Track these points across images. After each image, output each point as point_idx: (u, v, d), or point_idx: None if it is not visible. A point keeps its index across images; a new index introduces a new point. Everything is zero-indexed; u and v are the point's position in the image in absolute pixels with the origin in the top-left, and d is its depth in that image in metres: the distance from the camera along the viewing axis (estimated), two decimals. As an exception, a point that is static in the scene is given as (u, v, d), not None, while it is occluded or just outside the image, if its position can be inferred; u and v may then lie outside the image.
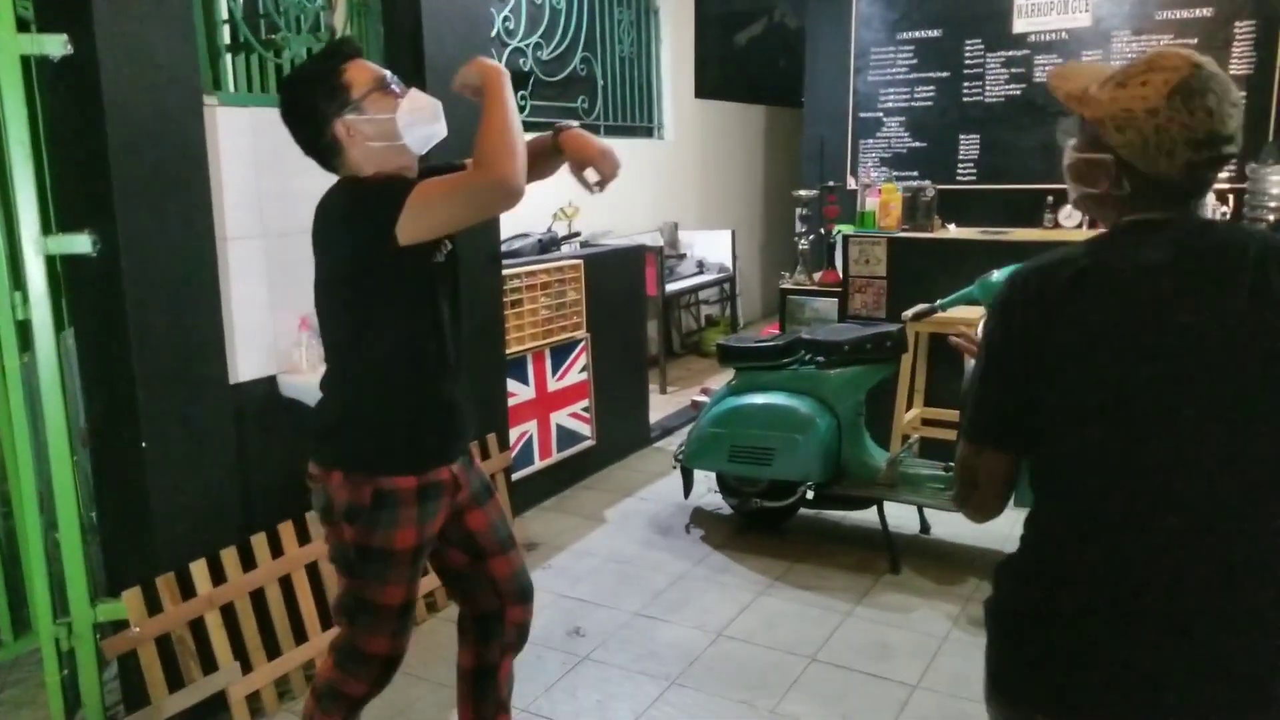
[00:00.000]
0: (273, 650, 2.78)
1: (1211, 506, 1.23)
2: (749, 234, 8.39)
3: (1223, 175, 5.25)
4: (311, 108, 1.83)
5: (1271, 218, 4.82)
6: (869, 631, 3.14)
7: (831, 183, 5.59)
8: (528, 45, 5.81)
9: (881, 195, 4.66)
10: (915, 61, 6.25)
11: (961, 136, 6.17)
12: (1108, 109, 1.31)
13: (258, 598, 2.76)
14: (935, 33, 6.16)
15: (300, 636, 2.86)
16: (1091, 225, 5.11)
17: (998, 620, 1.41)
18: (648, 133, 7.16)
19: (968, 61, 6.08)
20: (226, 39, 2.91)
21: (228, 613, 2.68)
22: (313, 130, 1.85)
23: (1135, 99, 1.28)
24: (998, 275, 3.41)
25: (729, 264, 6.90)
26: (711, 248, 6.92)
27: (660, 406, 5.60)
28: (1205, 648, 1.23)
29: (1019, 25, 5.91)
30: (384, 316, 1.88)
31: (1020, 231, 4.84)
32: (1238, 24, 5.34)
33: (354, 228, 1.82)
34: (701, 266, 6.82)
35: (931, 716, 2.67)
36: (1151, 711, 1.25)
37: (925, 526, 3.87)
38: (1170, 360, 1.24)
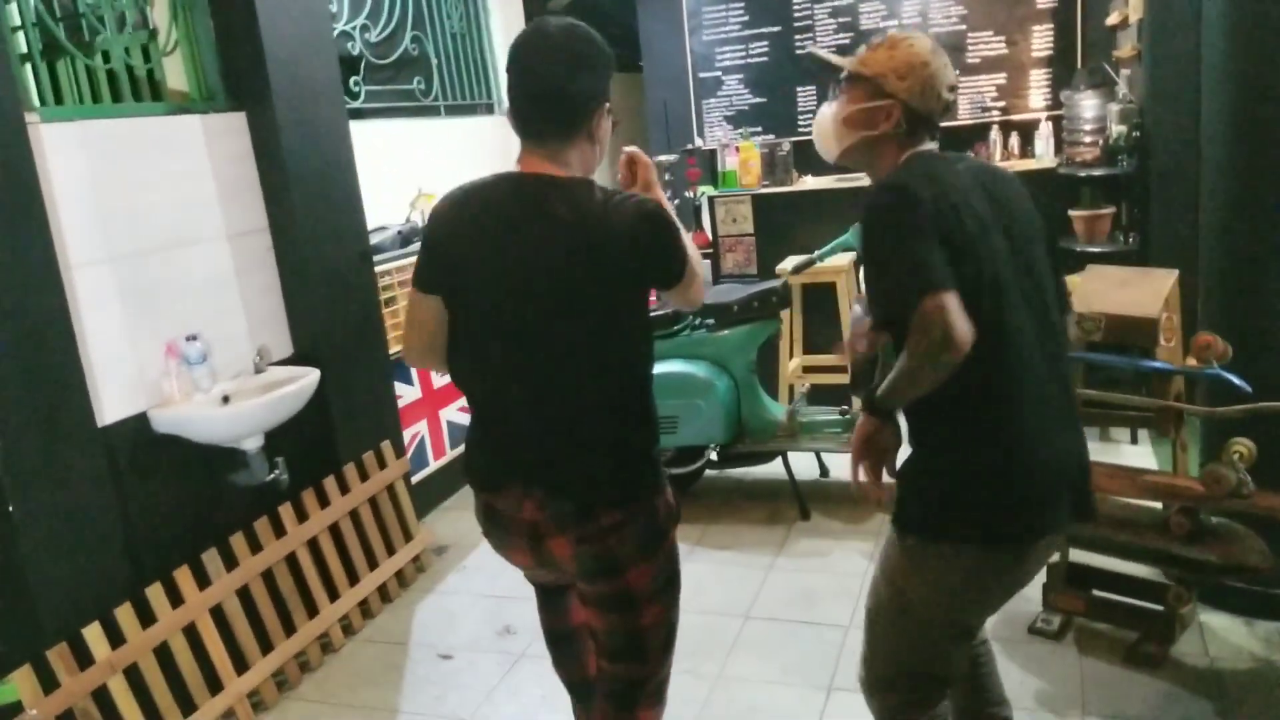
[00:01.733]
0: (187, 705, 2.58)
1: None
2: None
3: (1040, 103, 5.54)
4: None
5: (1088, 139, 5.12)
6: (793, 581, 3.19)
7: (690, 145, 5.59)
8: (354, 28, 5.52)
9: (740, 154, 4.70)
10: (747, 18, 6.30)
11: (799, 89, 6.28)
12: (888, 65, 1.68)
13: (163, 653, 2.55)
14: (763, -14, 6.22)
15: (215, 686, 2.66)
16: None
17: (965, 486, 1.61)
18: (489, 109, 6.97)
19: (797, 14, 6.17)
20: (28, 46, 2.60)
21: (133, 674, 2.46)
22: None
23: (911, 55, 1.68)
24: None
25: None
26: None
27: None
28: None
29: (837, -34, 6.05)
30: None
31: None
32: (1042, -41, 5.61)
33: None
34: (561, 241, 6.71)
35: (871, 655, 2.74)
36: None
37: (824, 471, 3.97)
38: (1019, 242, 1.62)
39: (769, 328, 3.68)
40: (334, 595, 3.11)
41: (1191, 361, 2.46)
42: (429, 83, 6.21)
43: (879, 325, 1.58)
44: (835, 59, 1.78)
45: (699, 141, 6.44)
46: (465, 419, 4.27)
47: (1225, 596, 2.70)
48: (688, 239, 1.71)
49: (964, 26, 5.76)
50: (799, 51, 6.10)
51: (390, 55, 5.80)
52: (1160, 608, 2.59)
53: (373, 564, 3.30)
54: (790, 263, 4.03)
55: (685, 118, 6.52)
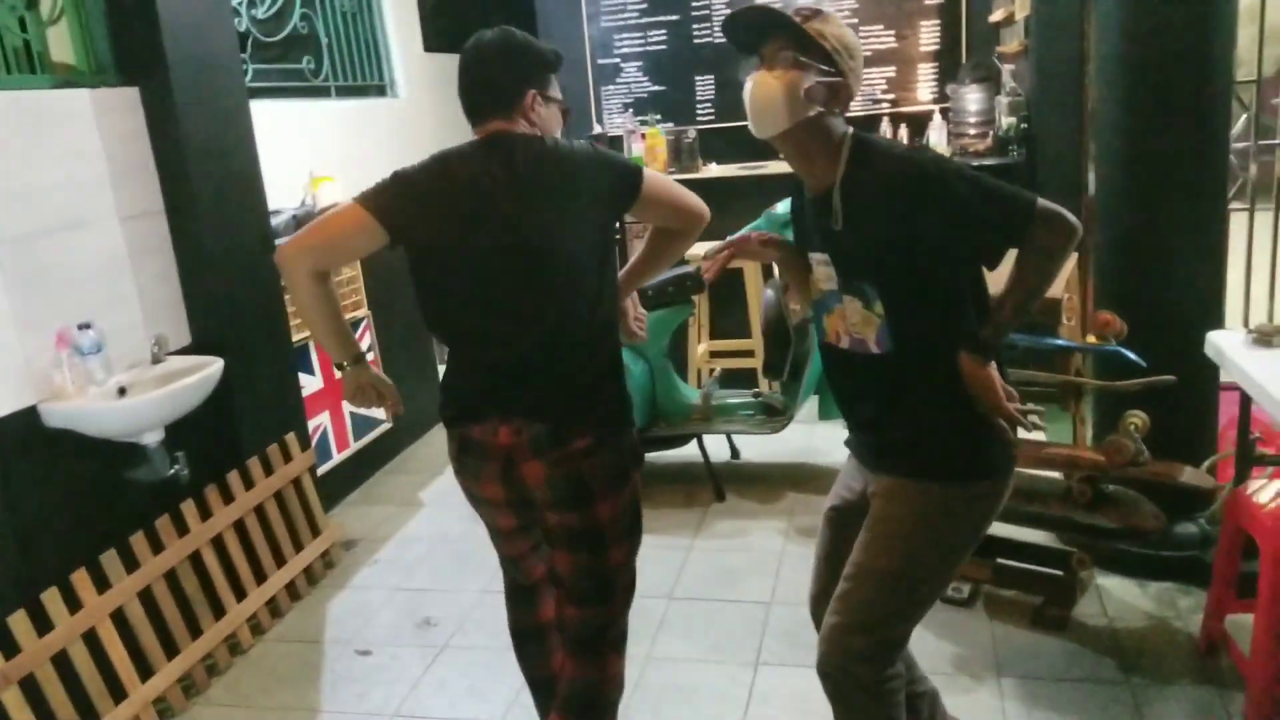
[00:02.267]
0: (89, 716, 2.43)
1: None
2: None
3: (927, 96, 5.73)
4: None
5: (972, 133, 5.32)
6: (713, 561, 3.23)
7: (596, 130, 5.57)
8: (240, 3, 5.28)
9: (646, 140, 4.70)
10: (645, 5, 6.31)
11: (697, 78, 6.33)
12: (841, 38, 1.61)
13: (61, 661, 2.39)
14: (659, -26, 6.23)
15: (118, 694, 2.52)
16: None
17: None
18: (380, 91, 6.78)
19: (695, 4, 6.22)
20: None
21: (29, 686, 2.30)
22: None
23: (847, 32, 1.62)
24: (781, 207, 3.56)
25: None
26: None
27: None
28: None
29: (729, -39, 6.11)
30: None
31: (775, 164, 5.06)
32: (927, -46, 5.79)
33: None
34: (459, 229, 6.59)
35: (793, 627, 2.79)
36: None
37: (735, 453, 4.02)
38: None
39: (683, 313, 3.70)
40: (241, 595, 2.98)
41: (1092, 339, 2.60)
42: (319, 62, 6.01)
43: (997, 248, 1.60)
44: (794, 19, 1.60)
45: (598, 128, 6.43)
46: (365, 410, 4.17)
47: (1119, 560, 2.86)
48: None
49: (856, 20, 5.88)
50: (695, 40, 6.16)
51: (278, 33, 5.58)
52: (1061, 573, 2.73)
53: (280, 561, 3.18)
54: (702, 249, 4.05)
55: (584, 104, 6.49)
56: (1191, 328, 2.60)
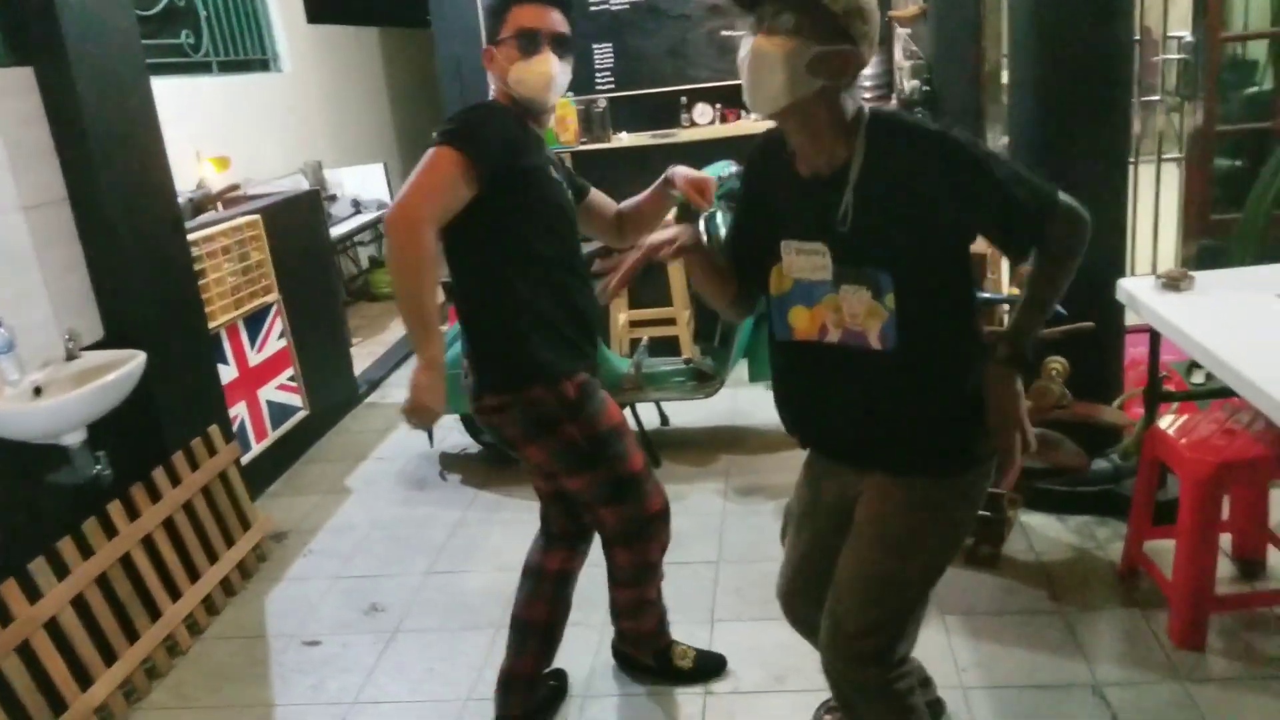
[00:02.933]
0: (29, 730, 2.32)
1: None
2: (399, 167, 8.02)
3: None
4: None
5: (869, 95, 5.46)
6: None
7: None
8: (112, -23, 4.97)
9: (557, 111, 4.65)
10: (537, -29, 6.22)
11: (595, 46, 6.28)
12: (854, 3, 1.39)
13: (-4, 677, 2.27)
14: (551, -59, 6.14)
15: (58, 706, 2.40)
16: (723, 120, 5.50)
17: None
18: (264, 65, 6.52)
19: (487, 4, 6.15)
20: None
21: (-35, 705, 2.18)
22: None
23: (863, 1, 1.40)
24: (716, 169, 3.59)
25: (387, 199, 6.56)
26: (363, 184, 6.53)
27: (354, 360, 5.28)
28: None
29: (630, -71, 6.05)
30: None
31: (685, 132, 5.10)
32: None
33: None
34: (358, 206, 6.43)
35: (741, 584, 2.88)
36: None
37: (665, 419, 4.07)
38: None
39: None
40: (176, 594, 2.88)
41: (1014, 290, 2.73)
42: (198, 37, 5.74)
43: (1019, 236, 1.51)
44: None
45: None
46: (285, 397, 4.05)
47: (1040, 498, 3.04)
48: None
49: (747, -14, 5.91)
50: (592, 8, 6.10)
51: (154, 7, 5.30)
52: (990, 513, 2.87)
53: (212, 557, 3.07)
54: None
55: (479, 76, 6.36)
56: (1099, 276, 2.76)
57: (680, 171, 2.10)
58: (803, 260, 1.54)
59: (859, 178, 1.45)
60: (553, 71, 1.91)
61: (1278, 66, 4.17)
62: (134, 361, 2.65)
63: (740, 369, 3.94)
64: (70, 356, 2.70)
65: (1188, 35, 3.92)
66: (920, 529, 1.60)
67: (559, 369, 2.00)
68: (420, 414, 1.90)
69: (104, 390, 2.54)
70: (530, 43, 1.90)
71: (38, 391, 2.54)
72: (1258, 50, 4.92)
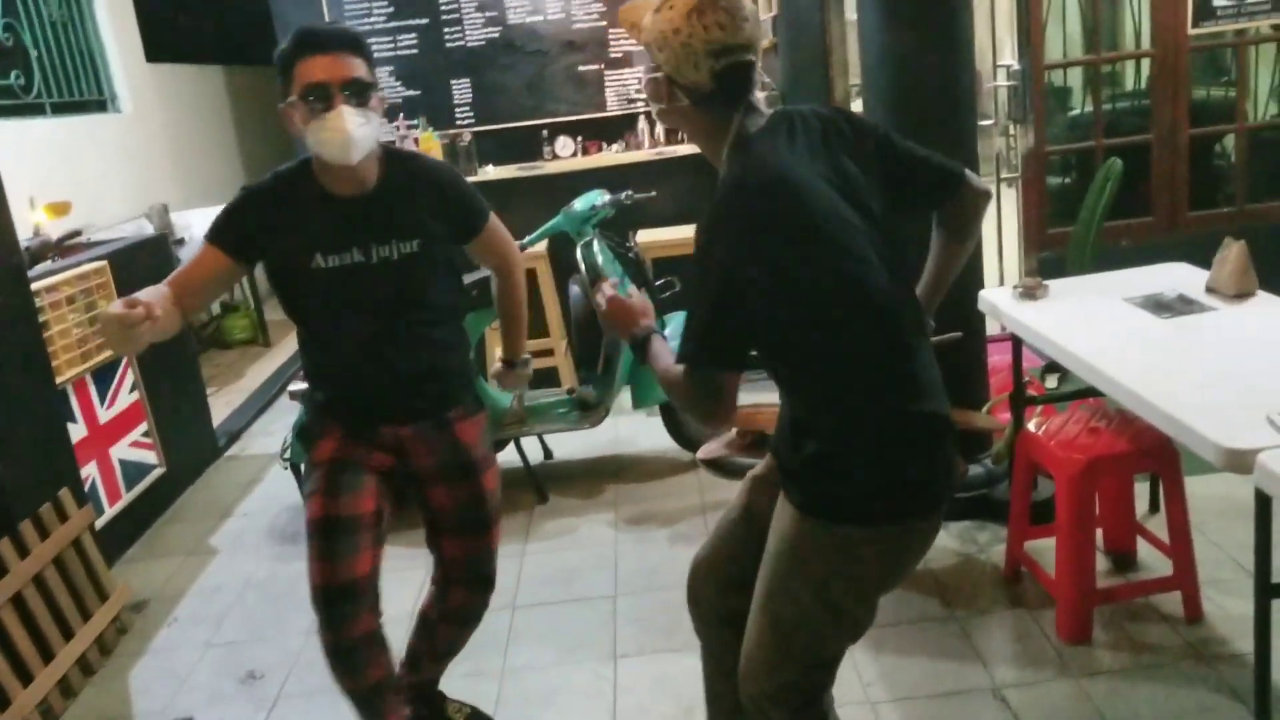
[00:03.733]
0: None
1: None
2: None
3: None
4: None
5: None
6: (549, 562, 3.21)
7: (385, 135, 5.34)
8: (-75, 14, 4.62)
9: (420, 145, 4.59)
10: (392, 9, 6.12)
11: (453, 81, 6.22)
12: (651, 33, 1.50)
13: None
14: (404, -22, 6.07)
15: None
16: (584, 152, 5.55)
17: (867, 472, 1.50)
18: (101, 106, 6.16)
19: (444, 6, 6.10)
20: None
21: None
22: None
23: (665, 21, 1.47)
24: (579, 204, 3.59)
25: (239, 244, 6.28)
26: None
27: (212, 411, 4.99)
28: None
29: (485, -33, 6.05)
30: None
31: (550, 165, 5.09)
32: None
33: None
34: (210, 251, 6.11)
35: (641, 614, 2.83)
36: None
37: (548, 453, 4.01)
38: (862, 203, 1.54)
39: (489, 316, 3.63)
40: (27, 679, 2.62)
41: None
42: (29, 77, 5.37)
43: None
44: (630, 19, 1.56)
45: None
46: (139, 455, 3.79)
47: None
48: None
49: (604, 23, 6.01)
50: (449, 44, 6.05)
51: (-22, 45, 4.94)
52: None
53: (67, 634, 2.82)
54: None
55: (335, 112, 6.22)
56: (959, 289, 2.88)
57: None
58: None
59: None
60: (348, 128, 1.72)
61: (1092, 91, 4.49)
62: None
63: (623, 397, 3.93)
64: (-107, 423, 2.44)
65: (1015, 64, 4.19)
66: (794, 568, 1.54)
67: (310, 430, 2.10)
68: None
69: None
70: (321, 97, 1.73)
71: None
72: (1073, 77, 5.34)
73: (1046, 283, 2.61)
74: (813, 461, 1.50)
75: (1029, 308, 2.55)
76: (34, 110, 5.42)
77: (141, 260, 4.03)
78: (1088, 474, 2.29)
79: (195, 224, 6.21)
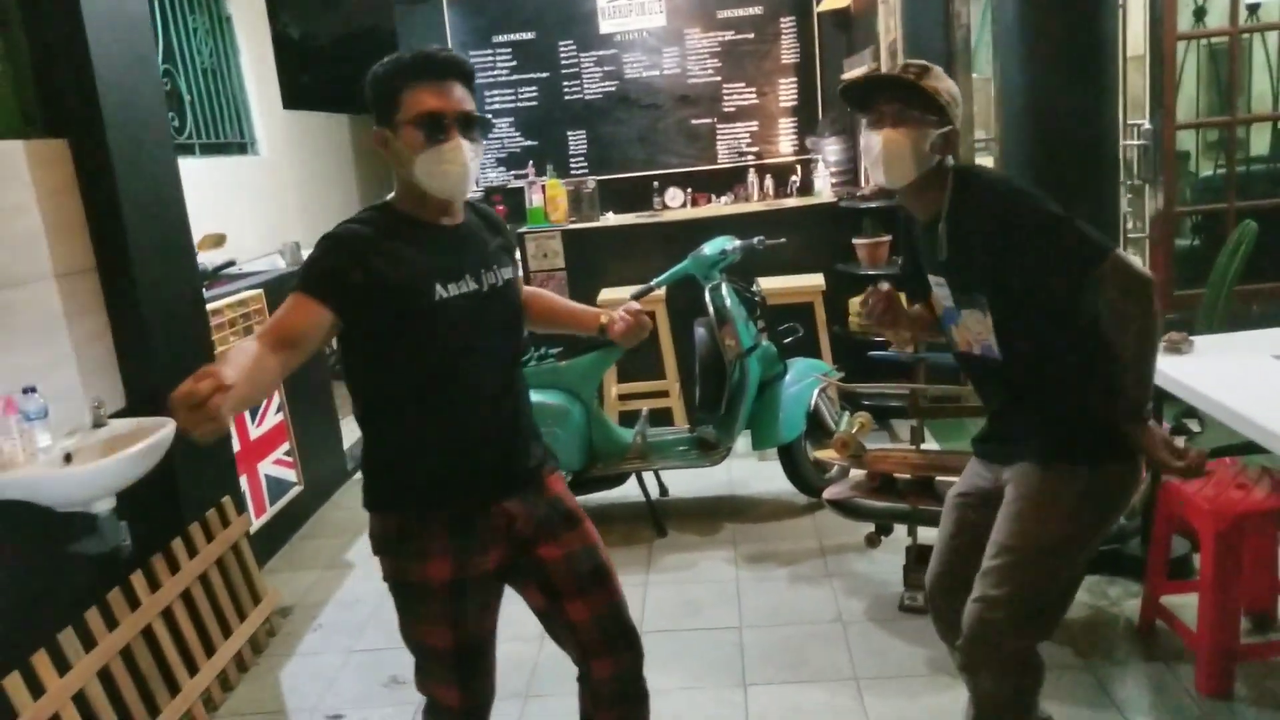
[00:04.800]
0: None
1: None
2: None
3: (789, 149, 6.09)
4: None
5: (835, 180, 5.72)
6: (672, 593, 3.29)
7: (503, 181, 5.63)
8: (104, 59, 5.03)
9: (547, 191, 4.80)
10: (515, 64, 6.43)
11: (569, 132, 6.49)
12: (951, 92, 1.79)
13: (26, 753, 2.18)
14: (529, 35, 6.37)
15: (83, 785, 2.31)
16: (693, 203, 5.73)
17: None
18: (242, 149, 6.58)
19: (564, 61, 6.38)
20: None
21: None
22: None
23: (952, 87, 1.80)
24: (708, 249, 3.73)
25: (362, 280, 6.59)
26: (341, 265, 6.54)
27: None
28: None
29: (605, 26, 6.30)
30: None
31: (668, 213, 5.27)
32: (783, 19, 6.21)
33: None
34: (335, 286, 6.43)
35: (768, 648, 2.90)
36: None
37: (664, 490, 4.11)
38: None
39: (614, 354, 3.78)
40: (193, 669, 2.80)
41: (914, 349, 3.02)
42: (182, 119, 5.78)
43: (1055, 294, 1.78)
44: (910, 78, 1.79)
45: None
46: (281, 472, 4.01)
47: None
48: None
49: (719, 78, 6.21)
50: (567, 98, 6.31)
51: (143, 88, 5.36)
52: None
53: (226, 631, 3.00)
54: (630, 291, 4.16)
55: (459, 159, 6.52)
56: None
57: (618, 326, 1.91)
58: (938, 291, 1.93)
59: (947, 223, 1.82)
60: (467, 161, 1.63)
61: (1226, 153, 4.48)
62: (165, 429, 2.62)
63: (744, 439, 4.02)
64: (97, 424, 2.66)
65: (1146, 123, 4.23)
66: (1049, 509, 1.81)
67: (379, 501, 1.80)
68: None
69: (137, 457, 2.50)
70: (436, 128, 1.61)
71: (68, 458, 2.50)
72: (1187, 141, 5.32)
73: (1191, 338, 2.64)
74: (1081, 413, 1.82)
75: (1175, 361, 2.58)
76: (185, 150, 5.82)
77: (288, 291, 4.29)
78: (1236, 528, 2.30)
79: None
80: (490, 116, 6.17)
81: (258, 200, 6.45)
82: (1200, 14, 4.37)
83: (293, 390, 4.14)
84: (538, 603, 1.87)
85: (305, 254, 5.66)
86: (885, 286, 2.03)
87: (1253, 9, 4.24)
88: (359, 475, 4.80)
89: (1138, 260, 1.76)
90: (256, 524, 3.76)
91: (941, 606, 2.07)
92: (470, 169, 1.65)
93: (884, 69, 4.98)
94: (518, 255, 1.94)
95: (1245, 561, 2.57)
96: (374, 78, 1.66)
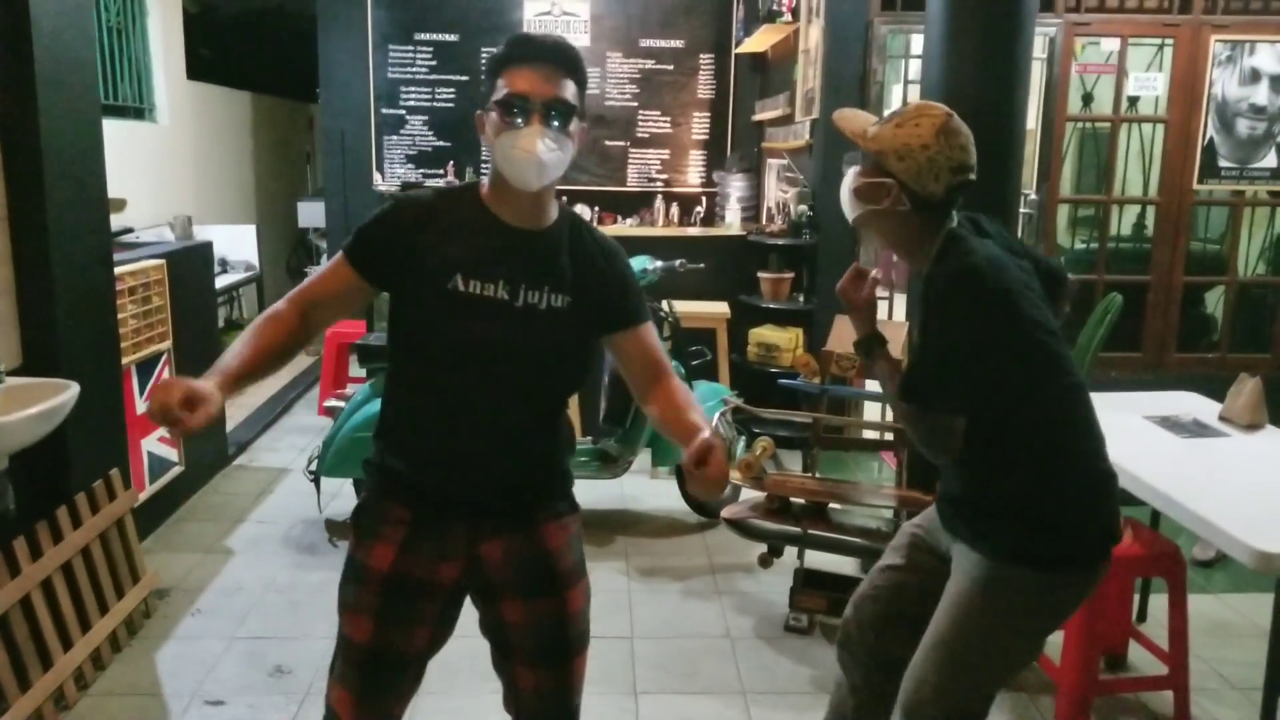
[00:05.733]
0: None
1: None
2: (267, 231, 7.80)
3: (696, 180, 6.30)
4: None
5: (741, 214, 5.93)
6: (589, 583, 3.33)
7: (376, 181, 5.58)
8: None
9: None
10: (435, 63, 6.41)
11: (483, 138, 6.50)
12: (890, 143, 1.71)
13: None
14: (452, 37, 6.37)
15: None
16: (599, 222, 5.84)
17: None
18: (140, 114, 6.30)
19: (484, 66, 6.41)
20: None
21: None
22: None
23: (911, 136, 1.69)
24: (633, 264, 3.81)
25: (255, 262, 6.41)
26: (234, 244, 6.35)
27: (220, 421, 5.06)
28: None
29: (528, 37, 6.37)
30: None
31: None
32: (702, 55, 6.40)
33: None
34: (225, 265, 6.23)
35: (661, 658, 2.98)
36: None
37: (558, 501, 4.15)
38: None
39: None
40: (66, 644, 2.67)
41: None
42: (83, 76, 5.51)
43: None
44: (850, 128, 1.78)
45: (377, 178, 6.39)
46: (164, 450, 3.85)
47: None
48: None
49: (636, 104, 6.36)
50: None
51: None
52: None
53: (103, 608, 2.88)
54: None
55: (363, 152, 6.42)
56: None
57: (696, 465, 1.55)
58: None
59: (921, 290, 1.74)
60: (538, 150, 1.53)
61: (1100, 228, 4.86)
62: (69, 392, 2.52)
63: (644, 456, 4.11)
64: (-7, 380, 2.53)
65: (1032, 193, 4.58)
66: (989, 612, 1.74)
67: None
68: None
69: (37, 419, 2.39)
70: (519, 111, 1.55)
71: (-40, 413, 2.37)
72: (1062, 213, 5.76)
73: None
74: (1018, 513, 1.72)
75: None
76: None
77: (189, 265, 4.16)
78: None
79: (215, 239, 6.33)
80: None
81: (152, 168, 6.19)
82: (1088, 99, 4.77)
83: (182, 370, 3.99)
84: (491, 642, 1.78)
85: (195, 229, 5.46)
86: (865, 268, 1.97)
87: (1133, 101, 4.66)
88: (239, 461, 4.70)
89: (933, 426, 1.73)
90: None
91: (860, 640, 2.02)
92: (545, 160, 1.54)
93: (799, 114, 5.23)
94: (636, 296, 1.72)
95: (1106, 602, 2.81)
96: (487, 61, 1.64)
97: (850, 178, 1.78)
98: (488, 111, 1.60)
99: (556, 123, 1.56)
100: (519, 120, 1.55)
